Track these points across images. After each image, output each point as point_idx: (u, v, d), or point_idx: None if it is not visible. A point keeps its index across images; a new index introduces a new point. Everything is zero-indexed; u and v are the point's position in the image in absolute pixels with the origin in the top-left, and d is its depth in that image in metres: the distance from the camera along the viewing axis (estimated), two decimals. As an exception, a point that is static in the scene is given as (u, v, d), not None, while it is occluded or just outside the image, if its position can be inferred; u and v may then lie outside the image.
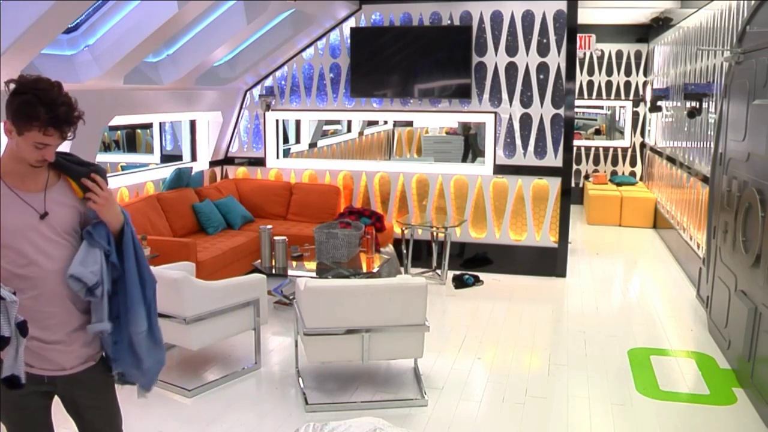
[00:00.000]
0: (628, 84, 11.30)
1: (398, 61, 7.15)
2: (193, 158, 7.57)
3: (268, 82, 7.70)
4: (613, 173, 11.56)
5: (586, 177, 11.59)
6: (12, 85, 2.01)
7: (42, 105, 1.97)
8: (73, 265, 2.09)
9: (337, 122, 11.58)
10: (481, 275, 6.95)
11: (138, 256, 2.24)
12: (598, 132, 12.71)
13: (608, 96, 11.43)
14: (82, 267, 2.10)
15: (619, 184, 10.75)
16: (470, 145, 12.15)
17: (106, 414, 2.35)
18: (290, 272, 5.65)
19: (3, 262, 2.05)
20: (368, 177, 7.55)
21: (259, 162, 7.89)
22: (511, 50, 6.95)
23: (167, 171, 6.85)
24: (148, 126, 8.55)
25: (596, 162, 11.72)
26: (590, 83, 11.42)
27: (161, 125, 8.25)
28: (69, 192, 2.18)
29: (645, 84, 10.94)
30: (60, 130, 2.01)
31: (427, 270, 7.06)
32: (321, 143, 10.39)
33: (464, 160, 12.05)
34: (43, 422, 2.28)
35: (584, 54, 11.01)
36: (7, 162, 2.10)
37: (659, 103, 9.40)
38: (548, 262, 7.07)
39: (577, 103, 10.68)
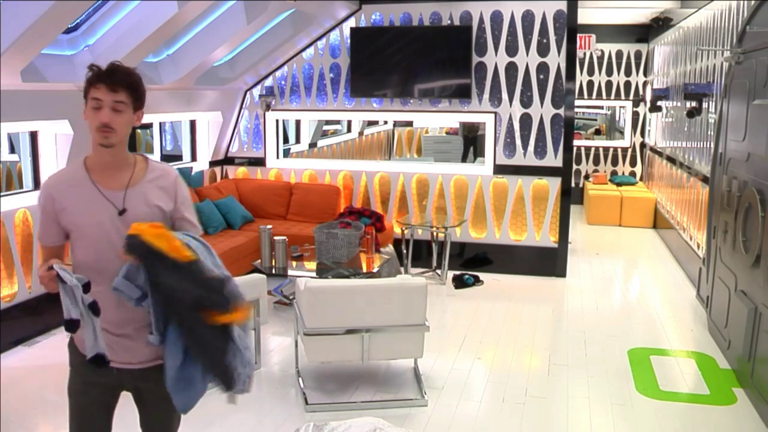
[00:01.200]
0: (628, 84, 11.30)
1: (398, 61, 7.15)
2: (193, 158, 7.58)
3: (268, 82, 7.70)
4: (613, 173, 11.56)
5: (586, 177, 11.59)
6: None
7: (96, 67, 2.12)
8: (117, 279, 2.09)
9: (337, 122, 11.58)
10: (481, 275, 6.94)
11: None
12: (598, 132, 12.72)
13: (608, 96, 11.43)
14: (125, 281, 2.10)
15: (619, 184, 10.75)
16: (476, 147, 12.13)
17: (166, 412, 2.32)
18: (290, 272, 5.65)
19: (81, 254, 2.15)
20: (368, 177, 7.55)
21: (259, 162, 7.89)
22: (511, 50, 6.95)
23: (167, 171, 6.84)
24: (148, 126, 8.54)
25: (596, 162, 11.72)
26: (590, 83, 11.42)
27: (161, 125, 8.24)
28: (155, 191, 2.20)
29: (645, 84, 10.94)
30: (106, 84, 2.08)
31: (427, 270, 7.06)
32: (321, 143, 10.39)
33: (464, 160, 12.05)
34: (100, 416, 2.30)
35: (584, 54, 11.01)
36: (92, 157, 2.20)
37: (659, 103, 9.40)
38: (548, 262, 7.07)
39: (577, 103, 10.67)
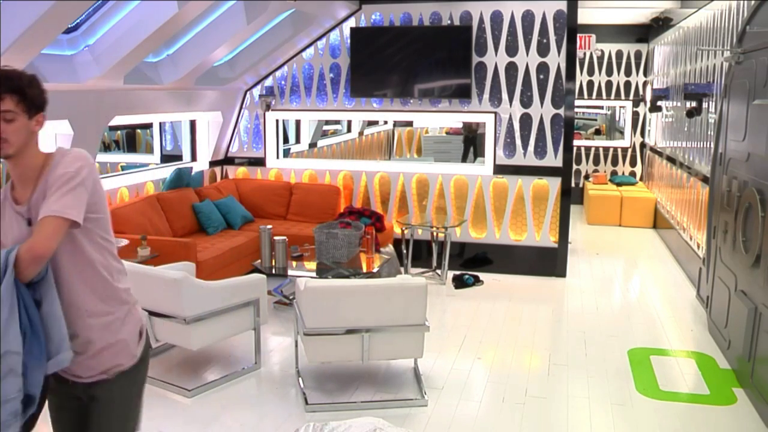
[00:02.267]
0: (628, 84, 11.30)
1: (398, 61, 7.15)
2: (193, 158, 7.57)
3: (268, 82, 7.70)
4: (613, 173, 11.56)
5: (586, 177, 11.59)
6: None
7: None
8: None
9: (337, 122, 11.58)
10: (481, 275, 6.94)
11: None
12: (598, 132, 12.71)
13: (608, 96, 11.43)
14: None
15: (619, 184, 10.75)
16: (476, 147, 12.13)
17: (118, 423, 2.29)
18: (290, 272, 5.65)
19: None
20: (368, 177, 7.55)
21: (259, 162, 7.89)
22: (511, 50, 6.95)
23: (167, 171, 6.85)
24: (148, 126, 8.55)
25: (596, 162, 11.72)
26: (590, 83, 11.42)
27: (161, 125, 8.25)
28: (47, 190, 2.03)
29: (645, 84, 10.94)
30: None
31: (427, 270, 7.06)
32: (321, 143, 10.39)
33: (464, 160, 12.04)
34: (61, 420, 2.28)
35: (584, 54, 11.01)
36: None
37: (659, 103, 9.40)
38: (548, 262, 7.07)
39: (577, 103, 10.68)
